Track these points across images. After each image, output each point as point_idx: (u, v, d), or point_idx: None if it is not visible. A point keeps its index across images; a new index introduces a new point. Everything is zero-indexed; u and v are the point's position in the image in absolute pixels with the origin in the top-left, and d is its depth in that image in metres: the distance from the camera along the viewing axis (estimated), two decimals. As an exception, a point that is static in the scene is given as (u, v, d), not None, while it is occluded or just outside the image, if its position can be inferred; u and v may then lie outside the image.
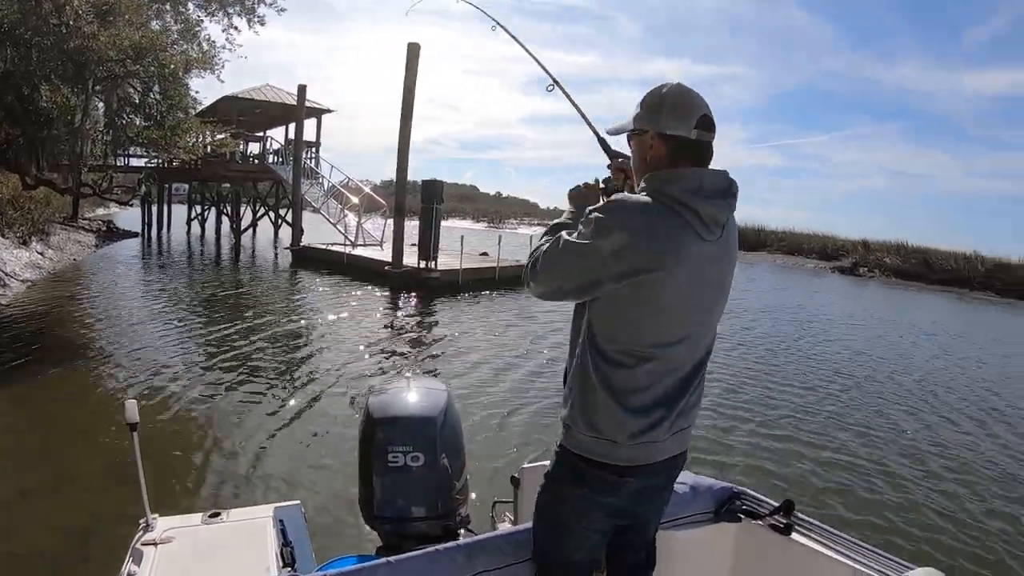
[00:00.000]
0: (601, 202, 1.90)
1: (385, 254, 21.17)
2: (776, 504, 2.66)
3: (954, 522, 5.87)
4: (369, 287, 18.53)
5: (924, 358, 13.84)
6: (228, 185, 35.74)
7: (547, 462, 3.39)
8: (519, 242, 27.15)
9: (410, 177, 21.92)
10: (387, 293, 17.77)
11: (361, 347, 11.03)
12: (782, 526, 2.59)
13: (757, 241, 42.87)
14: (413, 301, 16.81)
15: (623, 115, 2.03)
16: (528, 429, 7.43)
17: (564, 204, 2.30)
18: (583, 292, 1.89)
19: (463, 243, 19.62)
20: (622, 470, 1.92)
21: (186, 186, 40.09)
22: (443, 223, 20.60)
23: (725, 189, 1.89)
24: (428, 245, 19.20)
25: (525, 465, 3.46)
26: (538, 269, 1.98)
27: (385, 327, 13.15)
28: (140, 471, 2.51)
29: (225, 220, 36.27)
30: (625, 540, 2.19)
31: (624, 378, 1.87)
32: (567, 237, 1.90)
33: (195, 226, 37.62)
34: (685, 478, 2.90)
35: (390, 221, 22.15)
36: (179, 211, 39.85)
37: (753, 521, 2.71)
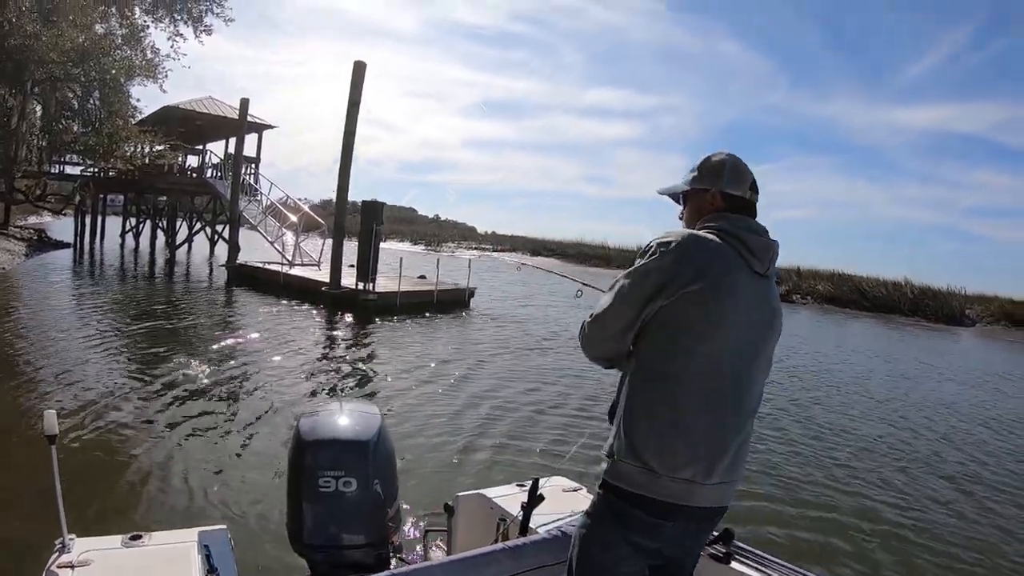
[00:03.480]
0: None
1: (322, 274, 20.99)
2: (715, 533, 2.61)
3: (896, 549, 6.03)
4: (305, 307, 18.35)
5: (867, 385, 14.18)
6: (165, 198, 35.12)
7: (482, 490, 3.43)
8: (457, 265, 27.13)
9: (350, 198, 21.86)
10: (324, 314, 17.62)
11: (294, 368, 10.90)
12: (721, 555, 2.59)
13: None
14: (349, 323, 16.70)
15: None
16: (463, 456, 7.38)
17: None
18: (636, 319, 2.00)
19: (402, 265, 19.59)
20: (660, 507, 1.94)
21: (122, 197, 39.24)
22: (381, 245, 20.53)
23: (767, 233, 2.12)
24: (366, 266, 19.09)
25: (460, 493, 3.49)
26: (591, 320, 2.12)
27: (320, 348, 13.05)
28: (58, 487, 2.38)
29: (160, 234, 35.58)
30: None
31: (670, 405, 1.94)
32: (616, 278, 2.08)
33: (129, 239, 36.61)
34: None
35: (328, 241, 22.01)
36: (114, 223, 38.92)
37: None
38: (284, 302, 19.00)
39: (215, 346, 11.99)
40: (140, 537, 2.61)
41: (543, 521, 3.02)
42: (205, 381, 9.46)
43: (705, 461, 1.94)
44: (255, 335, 13.57)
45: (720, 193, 2.14)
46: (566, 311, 21.31)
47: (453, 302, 20.94)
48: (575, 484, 3.73)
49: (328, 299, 19.04)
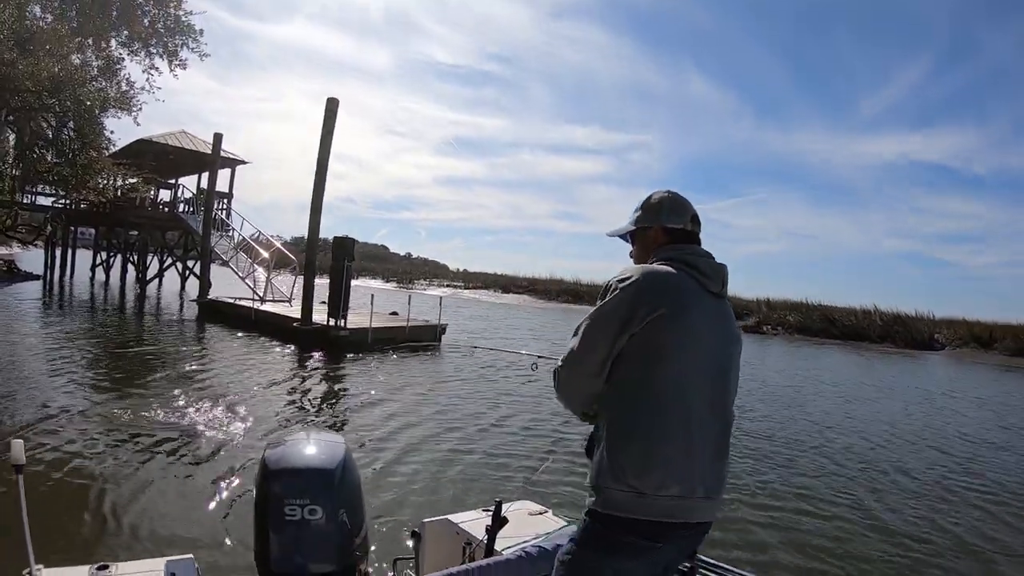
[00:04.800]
0: None
1: (294, 311, 20.91)
2: None
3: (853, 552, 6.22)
4: (276, 343, 18.26)
5: (819, 405, 14.30)
6: (136, 232, 34.88)
7: (448, 516, 3.60)
8: (429, 303, 27.18)
9: (321, 235, 21.88)
10: (295, 350, 17.51)
11: (263, 402, 10.87)
12: (686, 569, 2.54)
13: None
14: (320, 358, 16.61)
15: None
16: (430, 484, 7.44)
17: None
18: (609, 353, 2.10)
19: (373, 301, 19.62)
20: (653, 529, 1.99)
21: (92, 231, 39.01)
22: (353, 282, 20.49)
23: (713, 258, 2.30)
24: (338, 302, 19.00)
25: (426, 520, 3.55)
26: (564, 364, 2.22)
27: (290, 383, 13.01)
28: (24, 517, 2.37)
29: (131, 268, 35.35)
30: None
31: (649, 427, 2.01)
32: (583, 319, 2.19)
33: (100, 273, 36.30)
34: (565, 529, 2.96)
35: (300, 277, 21.96)
36: (84, 256, 38.62)
37: None
38: (255, 338, 18.94)
39: (184, 381, 11.91)
40: (107, 567, 2.62)
41: (509, 544, 3.08)
42: (173, 414, 9.41)
43: (688, 478, 2.01)
44: (224, 370, 13.53)
45: (662, 228, 2.34)
46: (527, 342, 22.24)
47: (425, 338, 20.96)
48: (540, 507, 3.81)
49: (300, 336, 18.96)
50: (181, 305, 27.08)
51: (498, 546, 3.10)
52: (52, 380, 10.84)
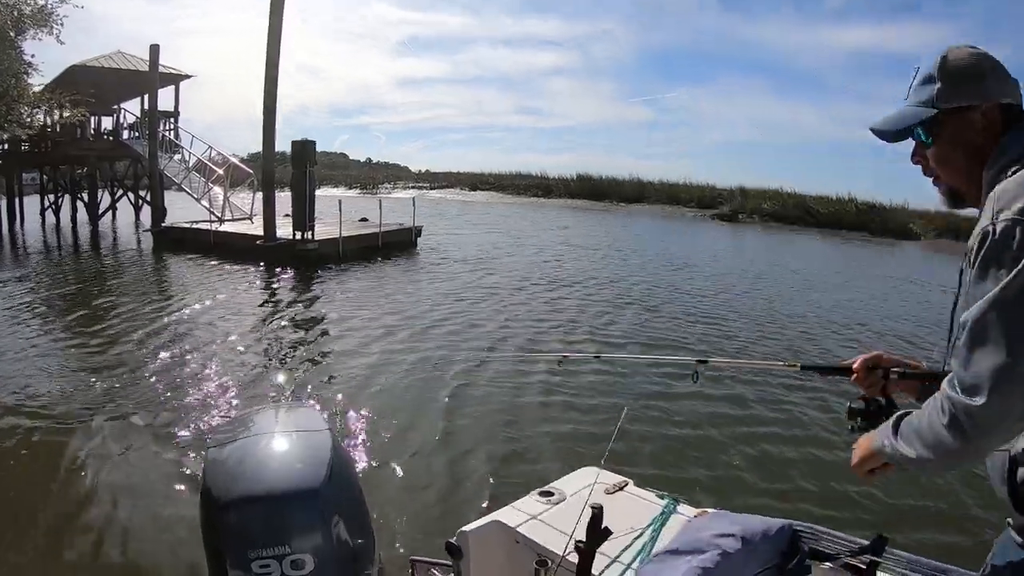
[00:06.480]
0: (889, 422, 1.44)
1: (256, 228, 19.57)
2: (862, 541, 1.92)
3: None
4: (239, 266, 16.80)
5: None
6: (84, 169, 32.93)
7: (497, 514, 2.48)
8: (395, 206, 25.70)
9: (279, 148, 20.50)
10: (260, 271, 16.16)
11: (222, 352, 8.86)
12: (864, 567, 1.90)
13: (638, 194, 43.84)
14: (289, 278, 15.33)
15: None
16: (453, 459, 5.53)
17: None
18: None
19: (341, 208, 18.24)
20: None
21: (36, 174, 37.06)
22: (316, 191, 19.12)
23: None
24: (303, 213, 17.66)
25: (467, 527, 2.40)
26: (992, 395, 1.19)
27: (254, 318, 11.33)
28: None
29: (81, 206, 33.52)
30: None
31: None
32: (982, 308, 1.22)
33: (50, 216, 34.63)
34: (720, 524, 1.95)
35: (259, 193, 20.50)
36: (33, 203, 36.92)
37: (823, 565, 1.95)
38: (218, 262, 17.44)
39: (128, 332, 9.94)
40: None
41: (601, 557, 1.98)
42: (103, 390, 7.31)
43: None
44: (181, 308, 11.78)
45: (999, 106, 1.41)
46: (501, 237, 22.20)
47: (400, 243, 19.93)
48: (617, 477, 2.74)
49: (265, 254, 17.62)
50: (137, 238, 25.42)
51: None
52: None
